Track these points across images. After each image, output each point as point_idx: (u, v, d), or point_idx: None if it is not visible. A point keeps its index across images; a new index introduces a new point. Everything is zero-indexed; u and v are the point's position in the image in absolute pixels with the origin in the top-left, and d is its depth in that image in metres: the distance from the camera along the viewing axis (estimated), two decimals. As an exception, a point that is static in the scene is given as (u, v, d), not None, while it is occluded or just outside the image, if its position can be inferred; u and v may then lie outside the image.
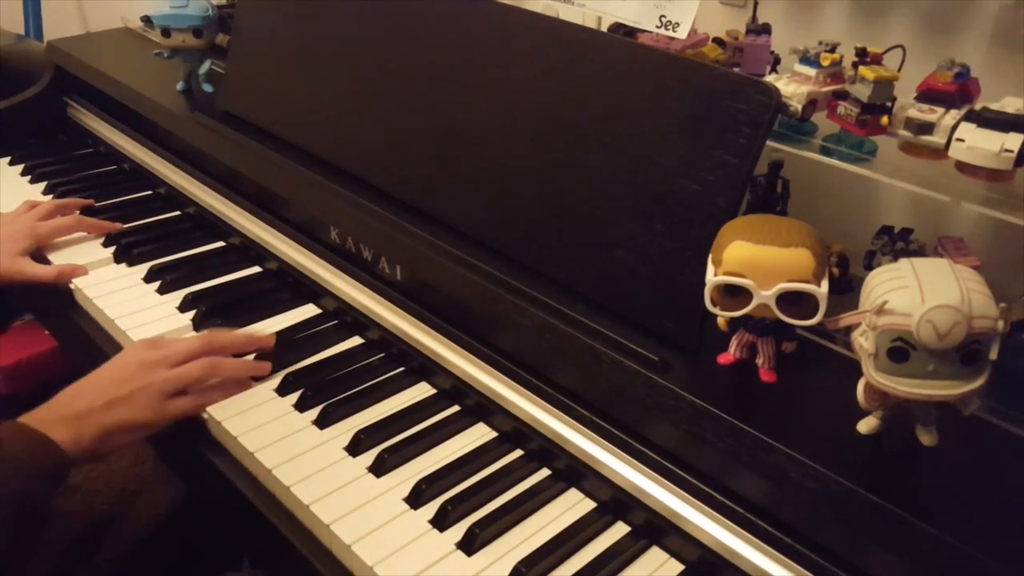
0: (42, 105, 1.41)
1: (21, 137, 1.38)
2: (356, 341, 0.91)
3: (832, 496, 0.57)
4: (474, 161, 0.84)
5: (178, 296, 0.97)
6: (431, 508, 0.70)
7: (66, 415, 0.74)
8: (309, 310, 0.97)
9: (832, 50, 0.81)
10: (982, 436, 0.62)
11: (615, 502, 0.70)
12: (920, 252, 0.76)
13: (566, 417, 0.73)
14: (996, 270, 0.68)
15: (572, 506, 0.72)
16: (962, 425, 0.57)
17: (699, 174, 0.69)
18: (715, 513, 0.64)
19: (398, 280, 0.89)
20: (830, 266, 0.62)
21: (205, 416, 0.80)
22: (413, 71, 0.90)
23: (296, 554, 0.70)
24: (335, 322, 0.94)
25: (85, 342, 0.96)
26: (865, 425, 0.60)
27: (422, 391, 0.84)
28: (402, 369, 0.86)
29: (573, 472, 0.73)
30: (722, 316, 0.64)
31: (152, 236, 1.10)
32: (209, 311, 0.94)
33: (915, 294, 0.51)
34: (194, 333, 0.92)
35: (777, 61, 0.92)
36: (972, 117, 0.72)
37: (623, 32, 0.92)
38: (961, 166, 0.73)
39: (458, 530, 0.68)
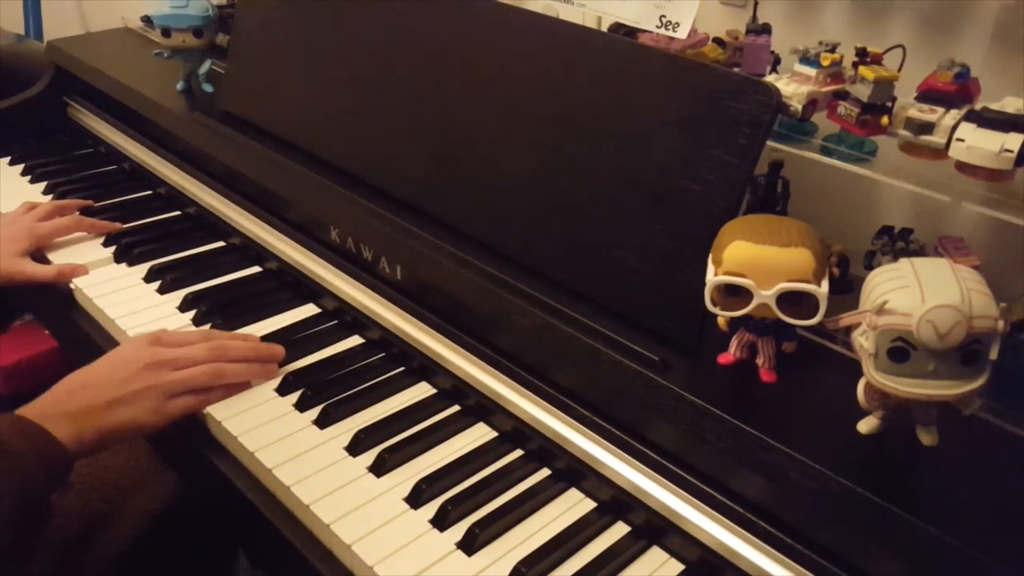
0: (42, 105, 1.41)
1: (21, 137, 1.38)
2: (356, 341, 0.91)
3: (832, 496, 0.57)
4: (474, 161, 0.84)
5: (178, 296, 0.97)
6: (431, 508, 0.70)
7: (68, 411, 0.73)
8: (309, 310, 0.97)
9: (832, 50, 0.81)
10: (982, 436, 0.62)
11: (615, 502, 0.70)
12: (920, 252, 0.76)
13: (566, 417, 0.73)
14: (996, 270, 0.68)
15: (572, 506, 0.72)
16: (962, 425, 0.57)
17: (699, 174, 0.69)
18: (715, 513, 0.64)
19: (398, 280, 0.89)
20: (830, 266, 0.62)
21: (205, 415, 0.80)
22: (413, 71, 0.90)
23: (296, 554, 0.70)
24: (335, 322, 0.94)
25: (85, 342, 0.96)
26: (865, 425, 0.60)
27: (422, 391, 0.84)
28: (402, 369, 0.86)
29: (573, 472, 0.73)
30: (722, 316, 0.64)
31: (152, 236, 1.10)
32: (209, 311, 0.94)
33: (915, 294, 0.51)
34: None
35: (777, 61, 0.92)
36: (972, 117, 0.72)
37: (623, 32, 0.92)
38: (961, 166, 0.73)
39: (458, 530, 0.68)
